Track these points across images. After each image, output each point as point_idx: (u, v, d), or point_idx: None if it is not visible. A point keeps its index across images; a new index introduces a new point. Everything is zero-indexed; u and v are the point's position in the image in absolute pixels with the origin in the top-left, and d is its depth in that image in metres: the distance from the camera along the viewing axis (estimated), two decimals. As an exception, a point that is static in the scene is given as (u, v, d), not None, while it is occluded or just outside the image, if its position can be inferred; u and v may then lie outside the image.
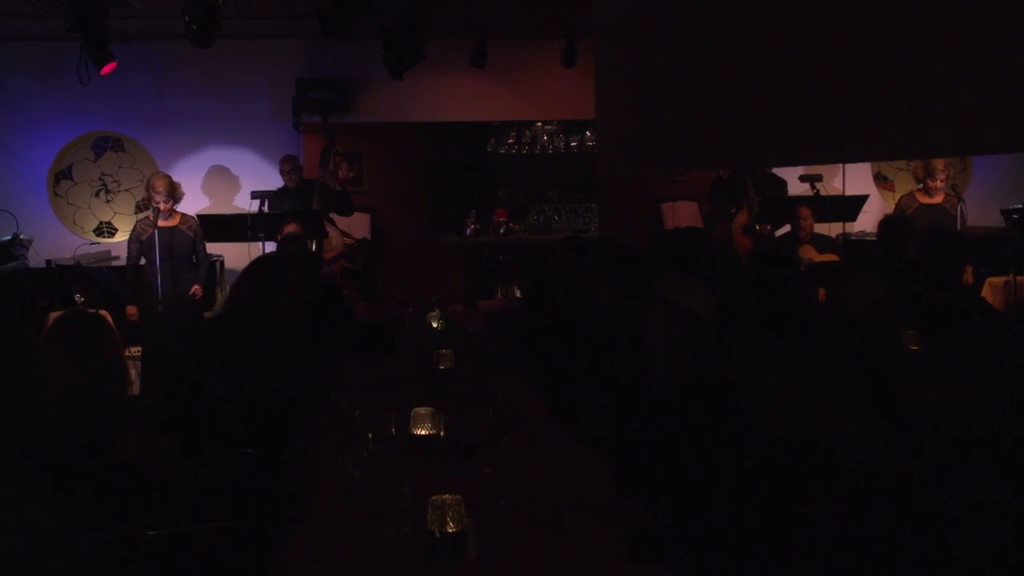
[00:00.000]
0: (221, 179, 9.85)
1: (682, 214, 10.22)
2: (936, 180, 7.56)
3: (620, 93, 5.67)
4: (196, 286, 7.87)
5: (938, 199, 7.57)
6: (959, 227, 7.41)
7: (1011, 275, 6.98)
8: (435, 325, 5.65)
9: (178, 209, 7.94)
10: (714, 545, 2.35)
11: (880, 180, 10.37)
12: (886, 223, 6.82)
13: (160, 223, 7.70)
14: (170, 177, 7.97)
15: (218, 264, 8.99)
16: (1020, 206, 8.05)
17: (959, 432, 2.75)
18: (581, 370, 4.13)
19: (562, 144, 11.02)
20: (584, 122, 10.74)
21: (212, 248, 8.73)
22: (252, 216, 8.00)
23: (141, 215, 8.34)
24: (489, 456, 3.17)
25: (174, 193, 7.81)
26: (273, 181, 9.30)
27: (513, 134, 11.02)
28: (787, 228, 8.27)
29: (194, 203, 9.59)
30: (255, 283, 4.21)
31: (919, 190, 7.72)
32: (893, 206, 10.02)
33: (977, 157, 8.42)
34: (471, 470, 2.98)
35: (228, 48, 9.14)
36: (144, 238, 7.71)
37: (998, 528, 2.26)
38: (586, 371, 4.07)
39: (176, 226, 7.80)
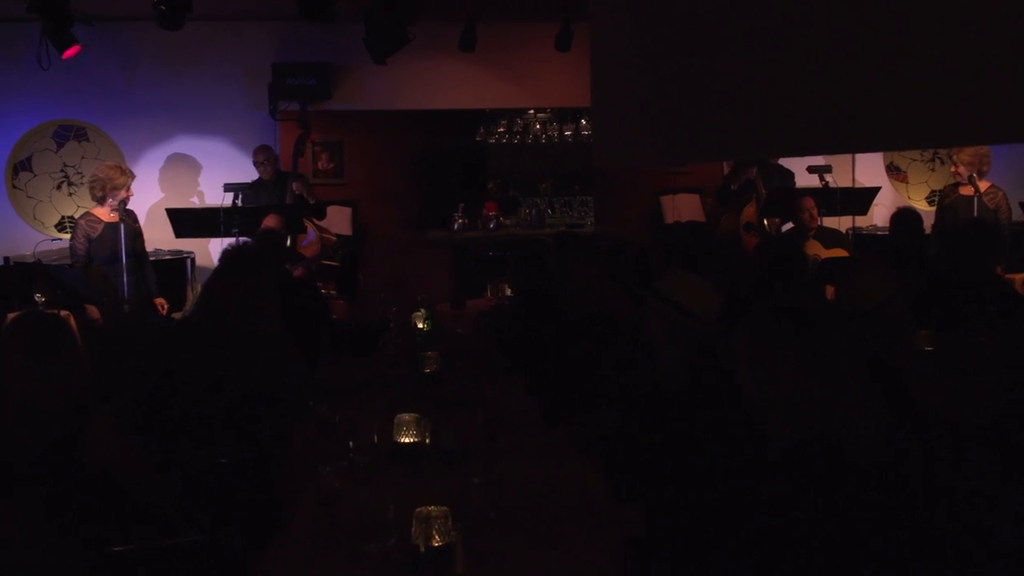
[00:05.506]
0: (191, 171, 9.83)
1: (683, 207, 10.23)
2: (958, 168, 7.59)
3: (618, 79, 5.67)
4: (160, 299, 7.83)
5: (971, 191, 7.56)
6: (999, 221, 7.41)
7: (1030, 271, 7.00)
8: (421, 325, 5.66)
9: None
10: (717, 555, 2.35)
11: (893, 171, 10.39)
12: (899, 216, 6.83)
13: (110, 218, 7.59)
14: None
15: (189, 261, 8.98)
16: (1041, 198, 8.07)
17: (975, 434, 2.77)
18: (576, 372, 4.14)
19: (556, 133, 11.01)
20: (579, 110, 10.73)
21: (183, 244, 8.72)
22: (225, 210, 7.98)
23: (84, 211, 8.16)
24: (478, 465, 3.18)
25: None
26: (247, 173, 9.28)
27: (504, 123, 11.00)
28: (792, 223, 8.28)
29: (164, 196, 9.57)
30: (229, 281, 4.21)
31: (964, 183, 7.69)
32: (907, 198, 10.09)
33: (995, 149, 8.43)
34: (458, 480, 2.99)
35: (199, 31, 9.09)
36: (95, 235, 7.60)
37: (1013, 530, 2.27)
38: (581, 373, 4.07)
39: (122, 221, 7.64)
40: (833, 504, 2.24)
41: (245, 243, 6.32)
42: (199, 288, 7.31)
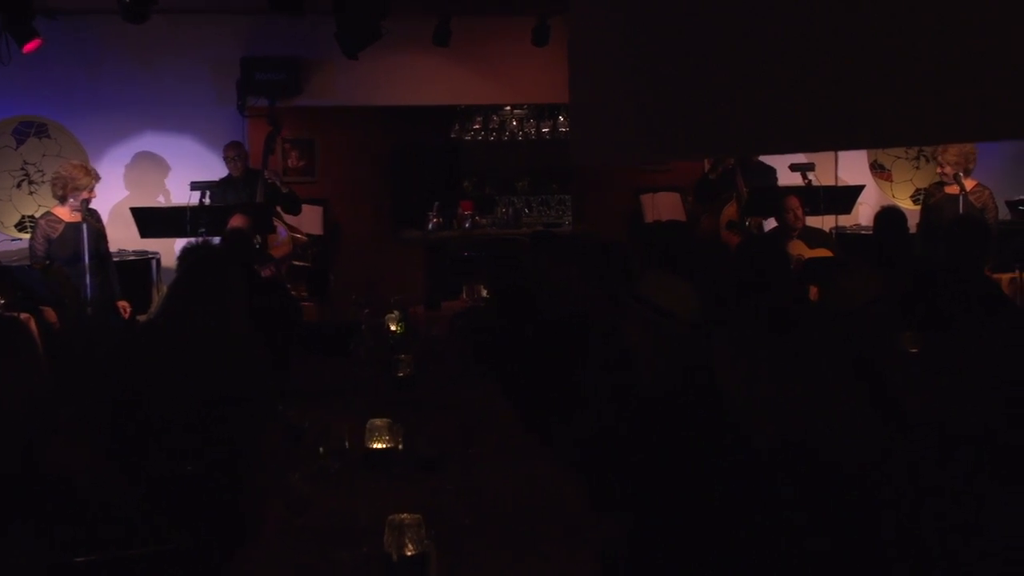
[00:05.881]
0: (156, 169, 9.77)
1: (663, 207, 10.25)
2: (943, 167, 7.63)
3: (596, 75, 5.68)
4: (123, 302, 7.79)
5: (956, 189, 7.60)
6: (986, 220, 7.45)
7: (1017, 272, 7.04)
8: (394, 328, 5.64)
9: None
10: (699, 562, 2.35)
11: (877, 169, 10.44)
12: (883, 215, 6.87)
13: (71, 218, 7.53)
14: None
15: (154, 262, 8.93)
16: (1027, 197, 8.14)
17: (962, 436, 2.78)
18: (554, 376, 4.14)
19: (533, 130, 11.02)
20: (557, 106, 10.74)
21: (148, 244, 8.67)
22: (192, 209, 7.94)
23: (45, 210, 8.09)
24: (452, 471, 3.18)
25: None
26: (215, 171, 9.24)
27: (479, 119, 11.00)
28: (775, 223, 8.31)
29: (128, 194, 9.51)
30: (195, 282, 4.19)
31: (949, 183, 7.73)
32: (892, 196, 10.14)
33: (980, 148, 8.49)
34: (433, 486, 2.98)
35: (165, 24, 9.07)
36: (55, 236, 7.53)
37: (1000, 536, 2.28)
38: (559, 377, 4.07)
39: (84, 220, 7.58)
40: (816, 509, 2.25)
41: (207, 242, 6.28)
42: (164, 290, 7.29)
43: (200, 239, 7.25)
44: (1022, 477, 2.45)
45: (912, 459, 2.61)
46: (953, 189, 7.59)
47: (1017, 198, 8.37)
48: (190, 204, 8.07)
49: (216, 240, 7.04)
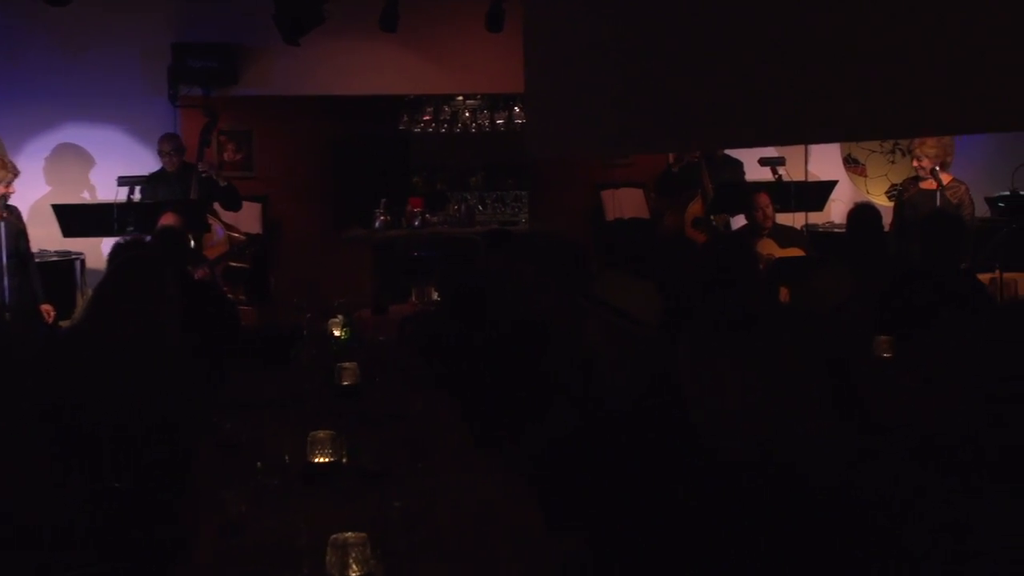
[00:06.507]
0: (81, 162, 9.68)
1: (625, 203, 10.30)
2: (921, 161, 7.72)
3: (553, 62, 5.69)
4: (46, 305, 7.71)
5: (933, 185, 7.69)
6: (962, 216, 7.55)
7: (997, 271, 7.14)
8: (338, 333, 5.63)
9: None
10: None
11: (851, 163, 10.53)
12: (857, 212, 6.94)
13: None
14: None
15: (78, 263, 8.85)
16: (1007, 193, 8.24)
17: (942, 444, 2.81)
18: (509, 385, 4.14)
19: (487, 122, 11.02)
20: (512, 96, 10.75)
21: (71, 244, 8.58)
22: (119, 206, 7.88)
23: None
24: (400, 487, 3.17)
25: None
26: (144, 164, 9.17)
27: (430, 110, 10.99)
28: (744, 220, 8.37)
29: (50, 190, 9.41)
30: (123, 284, 4.16)
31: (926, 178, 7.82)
32: (866, 192, 10.24)
33: (959, 142, 8.60)
34: (379, 503, 2.97)
35: (90, 7, 8.98)
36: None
37: (976, 549, 2.30)
38: (515, 386, 4.07)
39: (1, 218, 7.50)
40: (786, 524, 2.27)
41: (138, 241, 6.24)
42: (89, 293, 7.21)
43: (130, 237, 7.20)
44: (1005, 480, 2.48)
45: (889, 468, 2.64)
46: (929, 184, 7.69)
47: (997, 194, 8.47)
48: (117, 200, 8.01)
49: (147, 239, 6.99)
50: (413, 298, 7.24)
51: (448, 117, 11.04)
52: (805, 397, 2.43)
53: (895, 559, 2.29)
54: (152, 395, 3.87)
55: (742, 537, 2.28)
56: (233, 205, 9.07)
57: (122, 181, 8.14)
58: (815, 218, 9.81)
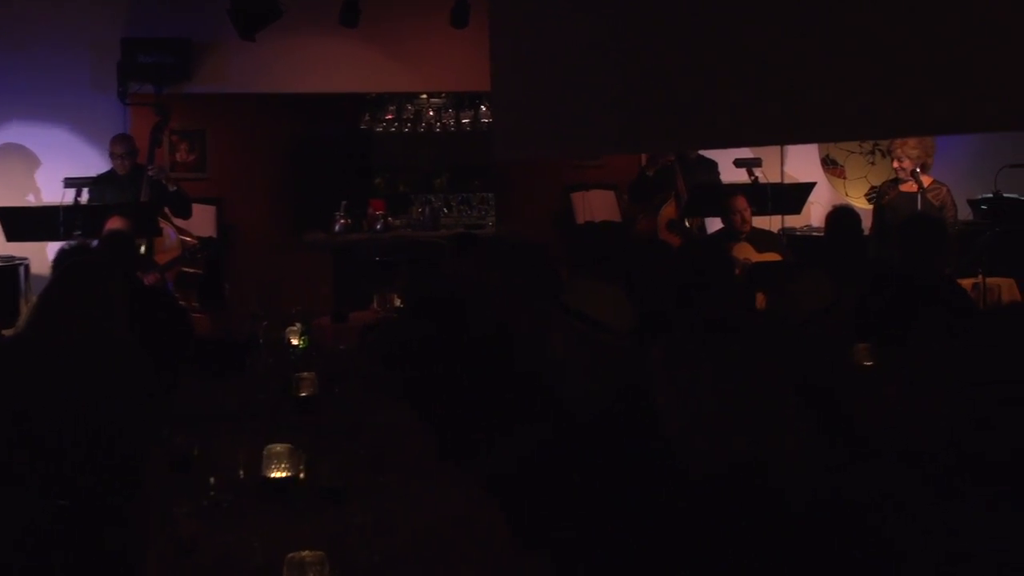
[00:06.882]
0: (25, 163, 9.62)
1: (596, 206, 10.31)
2: (902, 162, 7.78)
3: (521, 60, 5.70)
4: None
5: (914, 187, 7.75)
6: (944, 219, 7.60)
7: (980, 276, 7.19)
8: (295, 342, 5.62)
9: None
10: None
11: (829, 164, 10.59)
12: (835, 215, 6.98)
13: None
14: None
15: (22, 269, 8.78)
16: (991, 195, 8.31)
17: (925, 455, 2.82)
18: (474, 396, 4.14)
19: (452, 121, 11.03)
20: (478, 95, 10.77)
21: (14, 249, 8.51)
22: (66, 209, 7.83)
23: None
24: (360, 503, 3.16)
25: None
26: (92, 165, 9.11)
27: (392, 109, 10.99)
28: (720, 222, 8.41)
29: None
30: (69, 291, 4.14)
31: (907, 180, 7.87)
32: (845, 195, 10.30)
33: (940, 143, 8.67)
34: (338, 520, 2.97)
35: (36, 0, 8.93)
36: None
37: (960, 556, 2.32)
38: (480, 397, 4.07)
39: None
40: (760, 541, 2.27)
41: (84, 245, 6.21)
42: (34, 300, 7.16)
43: (76, 242, 7.16)
44: (989, 485, 2.50)
45: (869, 481, 2.65)
46: (910, 187, 7.74)
47: (980, 196, 8.54)
48: (64, 203, 7.97)
49: (94, 243, 6.95)
50: (375, 305, 7.23)
51: (411, 116, 11.04)
52: (783, 408, 2.44)
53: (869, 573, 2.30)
54: (99, 407, 3.84)
55: (714, 554, 2.29)
56: (182, 212, 9.02)
57: (69, 183, 8.10)
58: (792, 221, 9.86)
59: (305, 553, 2.53)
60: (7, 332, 7.66)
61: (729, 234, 8.00)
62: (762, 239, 8.05)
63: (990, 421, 2.47)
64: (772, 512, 2.31)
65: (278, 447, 3.38)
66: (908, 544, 2.37)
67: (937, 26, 2.72)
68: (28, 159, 9.64)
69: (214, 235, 9.84)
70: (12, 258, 8.77)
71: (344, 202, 10.44)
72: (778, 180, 9.81)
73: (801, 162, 10.54)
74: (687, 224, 8.94)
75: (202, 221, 9.67)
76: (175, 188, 8.94)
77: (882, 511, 2.44)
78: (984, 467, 2.44)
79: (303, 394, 4.44)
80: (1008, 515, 2.29)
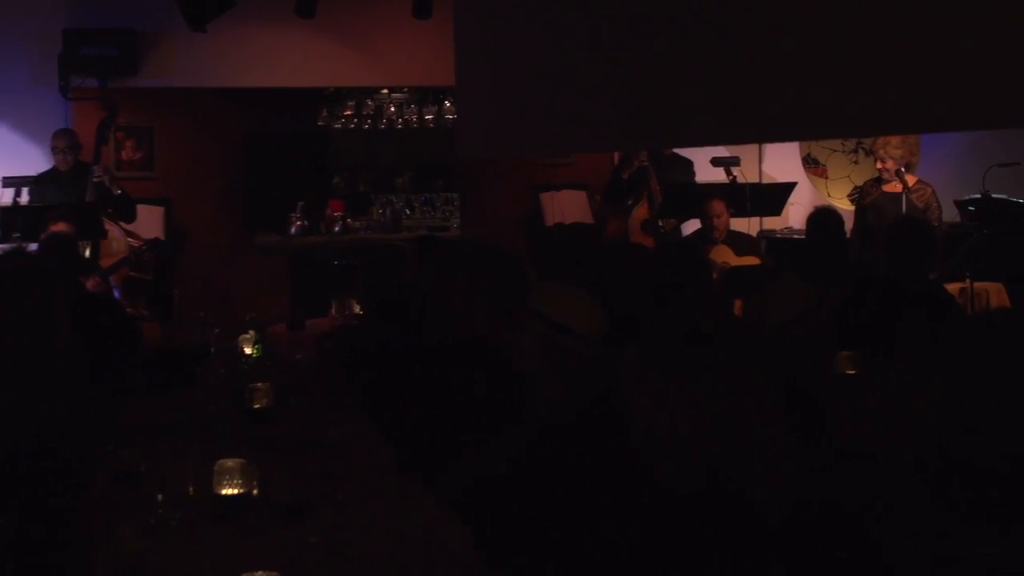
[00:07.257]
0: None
1: (566, 207, 10.34)
2: (885, 163, 7.83)
3: (487, 53, 5.70)
4: None
5: (898, 187, 7.81)
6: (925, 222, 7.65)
7: (967, 281, 7.24)
8: (249, 351, 5.60)
9: None
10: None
11: (810, 164, 10.65)
12: (816, 217, 7.02)
13: None
14: None
15: (-41, 274, 8.72)
16: (978, 196, 8.38)
17: (913, 469, 2.84)
18: (437, 407, 4.13)
19: (415, 117, 11.04)
20: (442, 89, 10.77)
21: (-50, 252, 8.46)
22: (4, 210, 7.81)
23: None
24: (317, 520, 3.15)
25: None
26: (32, 163, 9.06)
27: (351, 104, 10.99)
28: (696, 224, 8.43)
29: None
30: (6, 296, 4.12)
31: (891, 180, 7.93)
32: (827, 195, 10.36)
33: (925, 141, 8.74)
34: (293, 539, 2.96)
35: (-29, -12, 8.90)
36: None
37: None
38: (443, 408, 4.07)
39: None
40: (736, 551, 2.28)
41: (22, 249, 6.19)
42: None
43: (14, 246, 7.13)
44: (983, 501, 2.52)
45: (852, 489, 2.67)
46: (894, 187, 7.80)
47: (966, 197, 8.61)
48: (1, 204, 7.93)
49: (34, 247, 6.92)
50: (333, 311, 7.21)
51: (372, 112, 11.04)
52: (761, 419, 2.45)
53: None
54: (38, 419, 3.82)
55: (686, 572, 2.29)
56: (126, 215, 8.99)
57: (7, 182, 8.08)
58: (772, 223, 9.90)
59: (259, 574, 2.53)
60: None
61: (706, 237, 8.03)
62: (741, 243, 8.08)
63: (978, 428, 2.49)
64: (749, 522, 2.32)
65: (230, 462, 3.36)
66: (893, 552, 2.38)
67: (935, 23, 2.74)
68: (-39, 158, 9.59)
69: (162, 237, 9.80)
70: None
71: (300, 203, 10.41)
72: (757, 180, 9.86)
73: (781, 161, 10.59)
74: (660, 225, 8.96)
75: (149, 223, 9.64)
76: (119, 191, 8.90)
77: (866, 518, 2.46)
78: (972, 473, 2.46)
79: (257, 406, 4.42)
80: (995, 521, 2.31)
